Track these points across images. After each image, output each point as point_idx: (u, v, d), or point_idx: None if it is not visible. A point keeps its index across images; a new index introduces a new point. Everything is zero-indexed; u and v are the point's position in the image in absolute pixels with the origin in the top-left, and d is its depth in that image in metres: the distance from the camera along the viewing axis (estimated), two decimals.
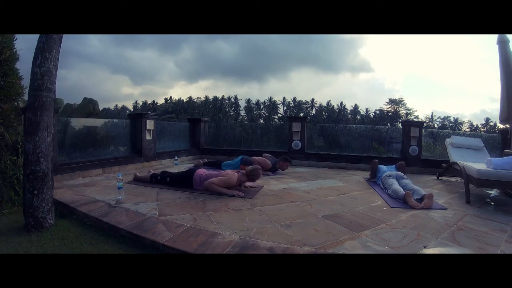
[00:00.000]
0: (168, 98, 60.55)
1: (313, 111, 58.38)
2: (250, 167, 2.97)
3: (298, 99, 60.15)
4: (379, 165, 3.58)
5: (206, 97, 59.56)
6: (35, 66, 1.95)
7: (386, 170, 3.33)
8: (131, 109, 60.93)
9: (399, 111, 53.52)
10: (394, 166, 3.47)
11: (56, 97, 2.13)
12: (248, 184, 3.02)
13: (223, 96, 59.82)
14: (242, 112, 59.31)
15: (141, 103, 61.78)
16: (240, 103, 59.97)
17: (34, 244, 1.72)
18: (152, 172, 3.41)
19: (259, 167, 3.03)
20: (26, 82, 2.58)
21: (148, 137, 4.79)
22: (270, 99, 59.66)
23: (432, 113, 55.01)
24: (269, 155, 4.61)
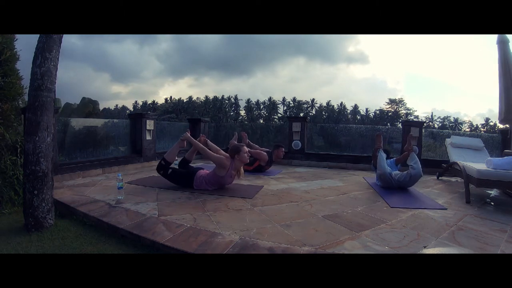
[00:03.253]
0: (168, 98, 60.66)
1: (313, 111, 58.42)
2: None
3: (298, 98, 60.18)
4: (382, 154, 3.53)
5: (206, 97, 59.67)
6: (35, 66, 1.95)
7: (388, 165, 3.26)
8: (131, 108, 61.04)
9: (399, 111, 53.58)
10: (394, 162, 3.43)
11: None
12: (240, 170, 3.06)
13: (223, 96, 59.93)
14: (242, 112, 59.35)
15: (141, 103, 61.91)
16: (240, 103, 60.01)
17: (34, 244, 1.72)
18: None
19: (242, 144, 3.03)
20: (26, 82, 2.58)
21: (148, 137, 4.79)
22: (270, 99, 59.69)
23: (432, 113, 55.14)
24: (265, 149, 4.56)
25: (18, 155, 2.59)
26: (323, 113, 58.03)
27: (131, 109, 61.33)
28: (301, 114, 53.00)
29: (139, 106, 61.25)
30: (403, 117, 50.64)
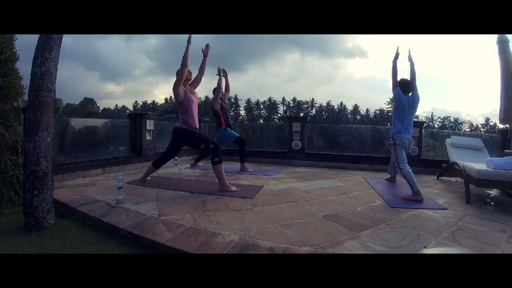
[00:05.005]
0: (168, 98, 60.73)
1: (313, 111, 58.47)
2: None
3: (298, 98, 60.27)
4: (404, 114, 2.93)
5: (206, 97, 59.67)
6: (35, 66, 1.95)
7: (405, 130, 2.94)
8: (131, 108, 61.18)
9: None
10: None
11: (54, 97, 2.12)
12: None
13: None
14: (242, 112, 59.41)
15: (141, 103, 62.04)
16: (239, 103, 60.06)
17: (34, 244, 1.72)
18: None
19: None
20: (26, 82, 2.58)
21: (148, 137, 4.79)
22: (270, 99, 59.73)
23: (432, 113, 55.22)
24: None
25: (19, 155, 2.59)
26: (323, 113, 58.09)
27: (131, 108, 61.53)
28: (301, 114, 53.07)
29: (139, 106, 61.40)
30: None
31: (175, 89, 2.90)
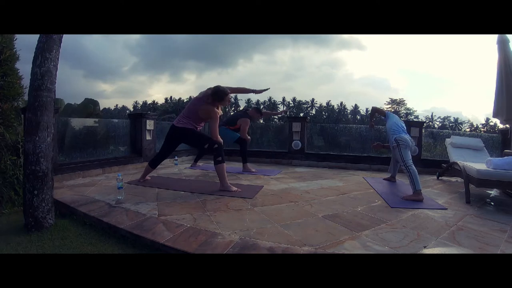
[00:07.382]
0: (168, 98, 60.79)
1: (313, 111, 58.49)
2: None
3: (298, 99, 60.29)
4: (394, 119, 3.23)
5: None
6: (35, 66, 1.95)
7: (402, 130, 3.08)
8: (131, 108, 61.23)
9: (399, 111, 53.68)
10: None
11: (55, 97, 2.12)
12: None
13: None
14: None
15: (141, 103, 62.11)
16: (240, 103, 60.10)
17: (34, 244, 1.72)
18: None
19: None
20: (26, 82, 2.58)
21: (148, 137, 4.79)
22: (270, 99, 59.75)
23: (432, 113, 55.20)
24: (244, 118, 4.35)
25: (19, 155, 2.59)
26: (323, 113, 58.13)
27: (131, 108, 61.62)
28: (301, 114, 53.12)
29: (139, 106, 61.49)
30: (403, 117, 50.68)
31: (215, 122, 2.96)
